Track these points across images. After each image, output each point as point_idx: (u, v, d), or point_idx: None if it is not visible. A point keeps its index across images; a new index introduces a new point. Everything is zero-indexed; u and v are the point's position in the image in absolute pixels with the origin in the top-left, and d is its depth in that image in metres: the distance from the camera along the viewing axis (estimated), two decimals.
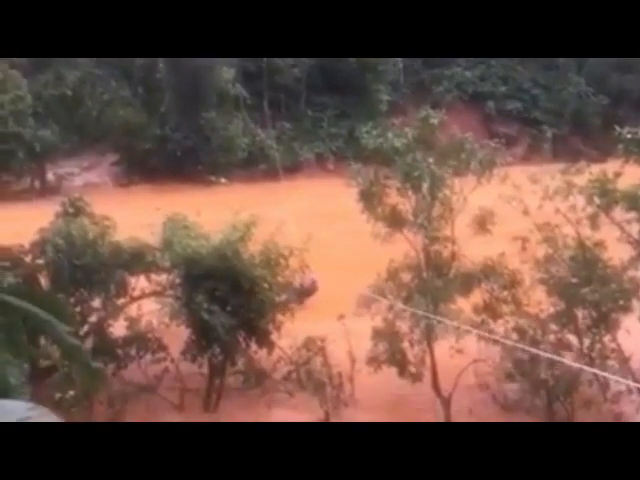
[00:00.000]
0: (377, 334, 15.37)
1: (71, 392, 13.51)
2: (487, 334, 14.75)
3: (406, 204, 14.84)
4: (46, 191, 38.92)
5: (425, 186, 14.30)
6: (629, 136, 15.04)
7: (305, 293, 19.73)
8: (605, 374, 13.41)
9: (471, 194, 14.72)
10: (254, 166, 42.97)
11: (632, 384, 13.41)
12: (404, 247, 15.48)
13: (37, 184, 41.36)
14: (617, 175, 14.82)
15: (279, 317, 16.01)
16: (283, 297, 16.17)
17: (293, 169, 42.80)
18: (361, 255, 20.96)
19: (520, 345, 13.24)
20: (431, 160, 13.96)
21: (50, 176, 41.37)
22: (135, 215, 21.96)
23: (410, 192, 14.53)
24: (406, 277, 15.33)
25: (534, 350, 12.93)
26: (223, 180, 41.82)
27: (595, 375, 14.88)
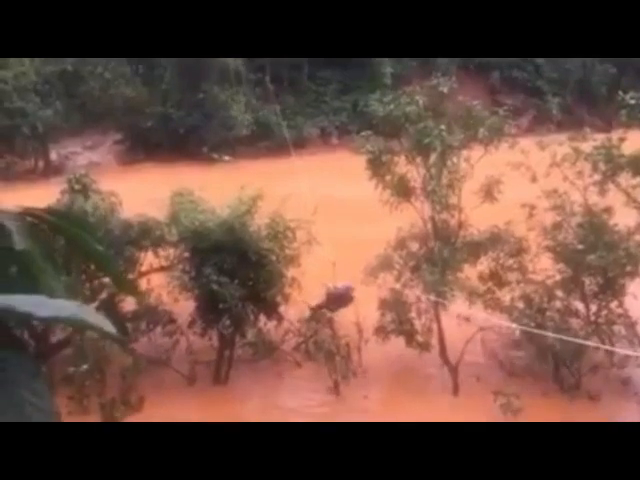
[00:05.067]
0: (384, 304, 15.50)
1: (84, 366, 13.70)
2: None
3: (414, 172, 14.85)
4: (50, 171, 38.90)
5: (435, 154, 14.30)
6: (632, 102, 14.98)
7: (339, 301, 16.73)
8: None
9: (479, 162, 14.71)
10: (258, 142, 42.79)
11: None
12: (411, 217, 15.53)
13: (41, 164, 41.34)
14: (621, 140, 14.79)
15: (287, 289, 16.13)
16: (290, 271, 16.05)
17: (297, 144, 42.61)
18: (369, 226, 21.01)
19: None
20: (442, 127, 13.94)
21: (53, 156, 41.33)
22: (139, 193, 21.96)
23: (419, 159, 14.53)
24: (414, 246, 15.41)
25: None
26: (226, 157, 41.70)
27: (601, 340, 15.03)
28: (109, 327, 1.82)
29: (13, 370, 1.82)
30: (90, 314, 1.78)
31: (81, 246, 2.15)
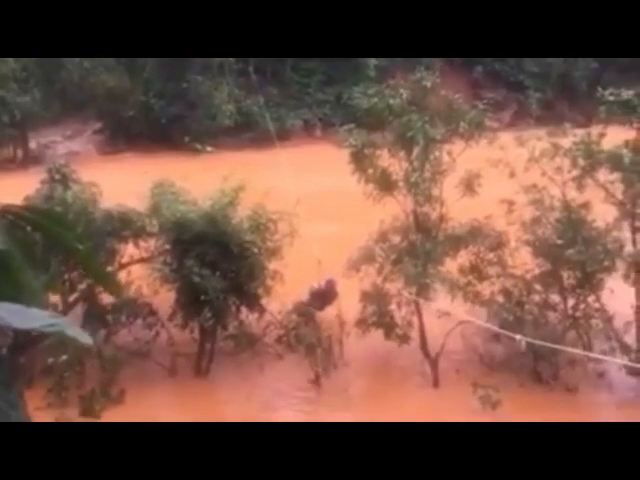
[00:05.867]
0: (365, 297, 15.58)
1: (64, 357, 13.60)
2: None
3: (397, 166, 14.93)
4: (29, 160, 38.36)
5: (418, 147, 14.38)
6: (611, 98, 15.19)
7: (322, 298, 16.36)
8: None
9: (459, 157, 14.80)
10: (240, 133, 42.53)
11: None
12: (393, 211, 15.61)
13: (20, 153, 40.72)
14: (601, 136, 14.98)
15: (269, 282, 16.12)
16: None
17: (280, 136, 42.39)
18: (351, 219, 21.04)
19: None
20: (425, 119, 14.03)
21: (32, 145, 40.73)
22: (120, 183, 21.79)
23: (402, 153, 14.61)
24: (396, 239, 15.50)
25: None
26: (209, 148, 41.40)
27: (579, 335, 15.27)
28: (85, 339, 1.83)
29: None
30: (67, 325, 1.79)
31: (60, 243, 2.15)
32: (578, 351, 13.51)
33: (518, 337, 11.86)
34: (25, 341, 14.87)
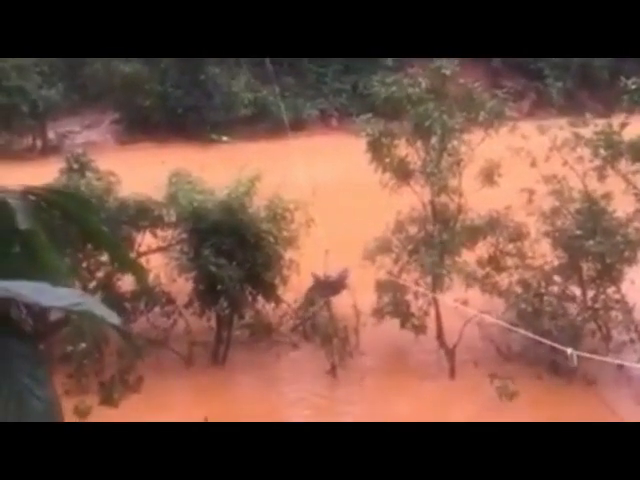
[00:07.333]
0: (381, 287, 15.52)
1: (82, 344, 13.72)
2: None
3: (414, 156, 14.81)
4: (48, 150, 38.65)
5: (435, 137, 14.25)
6: (634, 87, 14.94)
7: (329, 288, 16.09)
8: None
9: (479, 146, 14.64)
10: (257, 123, 42.49)
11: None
12: (410, 202, 15.51)
13: (38, 143, 41.05)
14: (623, 126, 14.74)
15: (285, 271, 16.13)
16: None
17: (296, 126, 42.25)
18: (367, 210, 20.96)
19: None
20: (443, 109, 13.89)
21: (51, 135, 41.03)
22: (137, 173, 21.87)
23: (419, 142, 14.49)
24: (412, 230, 15.40)
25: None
26: (225, 138, 41.43)
27: (598, 326, 15.10)
28: (113, 318, 1.80)
29: (17, 360, 1.81)
30: (95, 304, 1.76)
31: (84, 225, 2.13)
32: (604, 358, 13.12)
33: (569, 351, 11.11)
34: (44, 328, 15.06)
